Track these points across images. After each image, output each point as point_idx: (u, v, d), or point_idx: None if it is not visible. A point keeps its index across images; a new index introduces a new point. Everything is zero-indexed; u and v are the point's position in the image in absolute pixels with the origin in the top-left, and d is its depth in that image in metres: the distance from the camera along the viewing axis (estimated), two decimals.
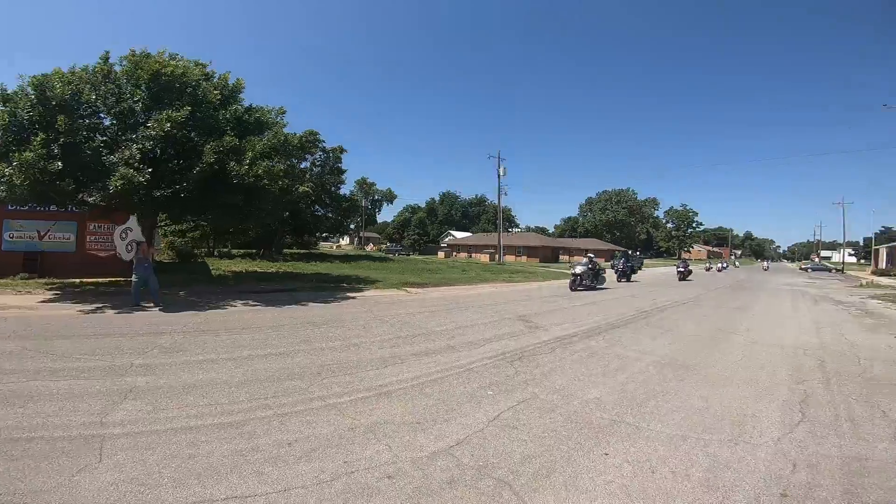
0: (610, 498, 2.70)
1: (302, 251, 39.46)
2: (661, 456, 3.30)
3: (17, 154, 9.22)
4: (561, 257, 60.85)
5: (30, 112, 9.95)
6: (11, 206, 12.24)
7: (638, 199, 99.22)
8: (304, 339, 6.93)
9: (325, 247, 63.49)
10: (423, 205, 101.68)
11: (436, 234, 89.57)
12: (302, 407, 4.05)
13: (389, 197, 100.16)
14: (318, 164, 34.70)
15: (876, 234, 75.64)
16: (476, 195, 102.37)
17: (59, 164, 9.56)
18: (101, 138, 10.74)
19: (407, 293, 14.25)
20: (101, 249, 14.46)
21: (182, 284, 12.82)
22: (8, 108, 10.08)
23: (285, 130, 14.10)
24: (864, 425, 4.05)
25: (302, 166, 30.09)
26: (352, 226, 62.04)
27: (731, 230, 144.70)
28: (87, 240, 14.31)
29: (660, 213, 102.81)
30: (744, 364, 6.33)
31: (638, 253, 47.55)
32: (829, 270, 55.65)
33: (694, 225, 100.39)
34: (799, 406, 4.55)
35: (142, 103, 11.11)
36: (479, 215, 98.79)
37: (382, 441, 3.39)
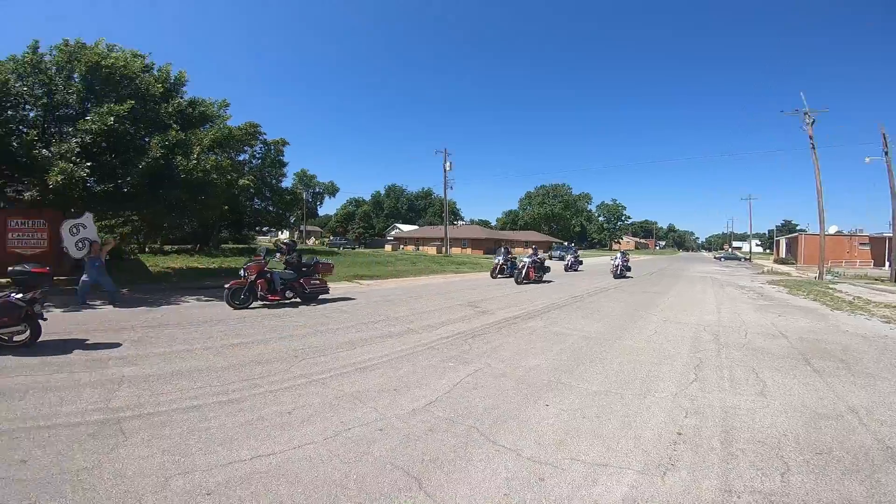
0: (553, 434, 3.54)
1: (241, 246, 38.07)
2: (588, 405, 4.20)
3: None
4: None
5: None
6: None
7: (573, 193, 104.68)
8: (270, 328, 7.30)
9: (262, 241, 61.22)
10: (367, 198, 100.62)
11: (382, 228, 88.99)
12: (289, 384, 4.57)
13: (332, 190, 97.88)
14: (257, 156, 33.61)
15: (778, 226, 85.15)
16: (422, 188, 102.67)
17: None
18: (32, 132, 10.16)
19: (359, 285, 14.70)
20: (26, 247, 13.42)
21: (123, 283, 12.37)
22: None
23: (227, 123, 14.00)
24: (740, 384, 4.98)
25: (240, 158, 29.07)
26: (292, 219, 60.24)
27: (656, 223, 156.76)
28: (9, 237, 13.26)
29: (592, 207, 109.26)
30: (655, 338, 7.50)
31: (573, 245, 49.99)
32: (739, 259, 60.37)
33: (623, 218, 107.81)
34: (694, 369, 5.55)
35: (77, 95, 10.63)
36: (426, 208, 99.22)
37: (367, 404, 4.05)
